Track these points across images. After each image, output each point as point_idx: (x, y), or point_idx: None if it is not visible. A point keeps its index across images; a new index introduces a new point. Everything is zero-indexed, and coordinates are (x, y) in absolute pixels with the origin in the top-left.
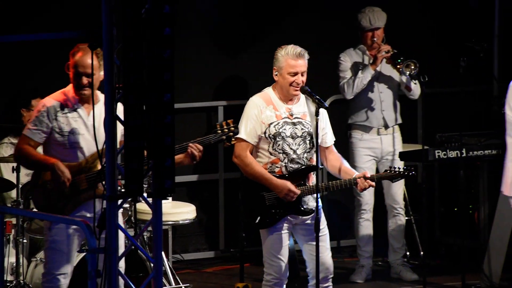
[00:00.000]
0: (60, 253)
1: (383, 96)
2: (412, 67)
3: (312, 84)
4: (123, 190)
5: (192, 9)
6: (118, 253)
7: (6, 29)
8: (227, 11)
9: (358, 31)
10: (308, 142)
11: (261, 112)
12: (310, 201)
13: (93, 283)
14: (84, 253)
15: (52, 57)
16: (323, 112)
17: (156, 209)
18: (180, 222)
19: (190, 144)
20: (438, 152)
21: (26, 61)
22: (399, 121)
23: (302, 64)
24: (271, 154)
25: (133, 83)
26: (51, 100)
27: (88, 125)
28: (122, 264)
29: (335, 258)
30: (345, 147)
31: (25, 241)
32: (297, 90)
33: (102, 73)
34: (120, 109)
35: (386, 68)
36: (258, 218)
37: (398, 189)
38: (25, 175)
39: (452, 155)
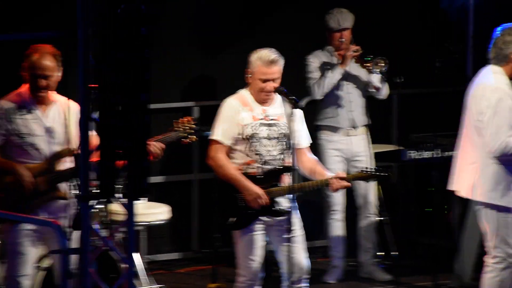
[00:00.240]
0: (21, 255)
1: (351, 96)
2: (382, 64)
3: (293, 84)
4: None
5: (171, 9)
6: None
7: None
8: (206, 11)
9: (325, 32)
10: (284, 143)
11: (238, 114)
12: (284, 202)
13: (65, 283)
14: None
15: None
16: (298, 113)
17: (130, 209)
18: (154, 222)
19: (150, 142)
20: (413, 153)
21: None
22: (368, 121)
23: (274, 71)
24: (246, 155)
25: (108, 82)
26: (6, 102)
27: (46, 126)
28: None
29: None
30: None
31: None
32: (267, 96)
33: (59, 74)
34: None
35: (354, 69)
36: (231, 219)
37: (369, 189)
38: None
39: (426, 155)
